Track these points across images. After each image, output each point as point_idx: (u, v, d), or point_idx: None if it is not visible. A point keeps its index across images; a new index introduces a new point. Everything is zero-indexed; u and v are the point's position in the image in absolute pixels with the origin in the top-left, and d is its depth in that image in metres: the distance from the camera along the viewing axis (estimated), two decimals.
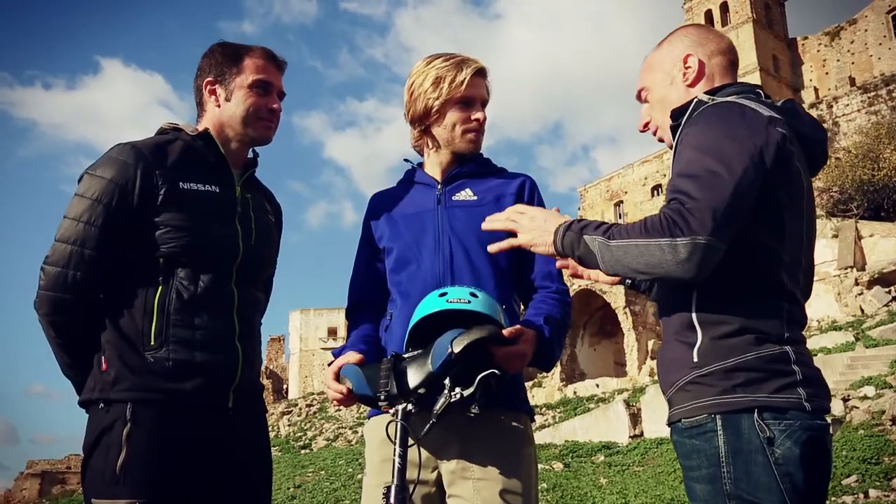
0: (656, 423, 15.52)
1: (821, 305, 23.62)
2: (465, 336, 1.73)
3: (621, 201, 47.14)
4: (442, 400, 1.74)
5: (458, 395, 1.74)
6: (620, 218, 46.79)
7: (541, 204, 2.20)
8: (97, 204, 1.93)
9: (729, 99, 1.73)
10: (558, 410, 23.31)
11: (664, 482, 11.79)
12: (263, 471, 2.09)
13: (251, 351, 2.07)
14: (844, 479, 9.64)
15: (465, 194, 2.15)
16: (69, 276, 1.91)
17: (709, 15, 51.24)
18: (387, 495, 1.67)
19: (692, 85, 1.84)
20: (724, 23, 50.31)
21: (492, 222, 1.85)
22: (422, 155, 2.27)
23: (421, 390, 1.76)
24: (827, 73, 48.25)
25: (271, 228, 2.22)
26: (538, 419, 22.45)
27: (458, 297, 1.83)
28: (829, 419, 1.68)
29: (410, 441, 1.74)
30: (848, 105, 38.46)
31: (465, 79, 2.09)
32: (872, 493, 9.01)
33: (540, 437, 18.55)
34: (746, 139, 1.60)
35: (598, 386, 25.37)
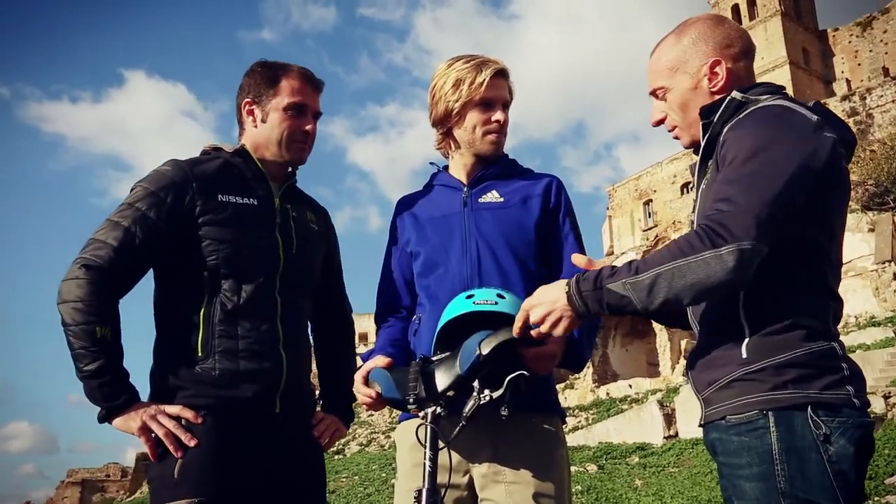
0: (691, 424, 15.34)
1: (858, 301, 23.17)
2: (493, 338, 1.72)
3: (650, 200, 46.70)
4: (471, 403, 1.73)
5: (487, 398, 1.72)
6: (650, 217, 46.38)
7: (567, 203, 2.19)
8: (144, 205, 2.01)
9: (777, 102, 1.71)
10: (591, 412, 23.16)
11: (701, 483, 11.66)
12: (315, 472, 2.15)
13: (297, 357, 2.12)
14: (888, 479, 9.44)
15: (492, 196, 2.14)
16: (113, 247, 1.96)
17: (736, 9, 50.57)
18: (418, 499, 1.66)
19: (719, 93, 1.81)
20: (752, 16, 49.65)
21: (516, 330, 1.73)
22: (446, 157, 2.27)
23: (450, 393, 1.75)
24: (859, 65, 47.34)
25: (314, 237, 2.26)
26: (571, 421, 22.31)
27: (485, 298, 1.82)
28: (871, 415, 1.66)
29: (441, 444, 1.73)
30: (882, 96, 37.67)
31: (484, 80, 2.08)
32: (889, 480, 8.80)
33: (573, 440, 18.46)
34: (798, 142, 1.58)
35: (630, 387, 25.17)
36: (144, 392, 2.05)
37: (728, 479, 1.66)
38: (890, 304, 22.57)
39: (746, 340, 1.62)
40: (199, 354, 1.99)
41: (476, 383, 1.74)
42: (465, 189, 2.16)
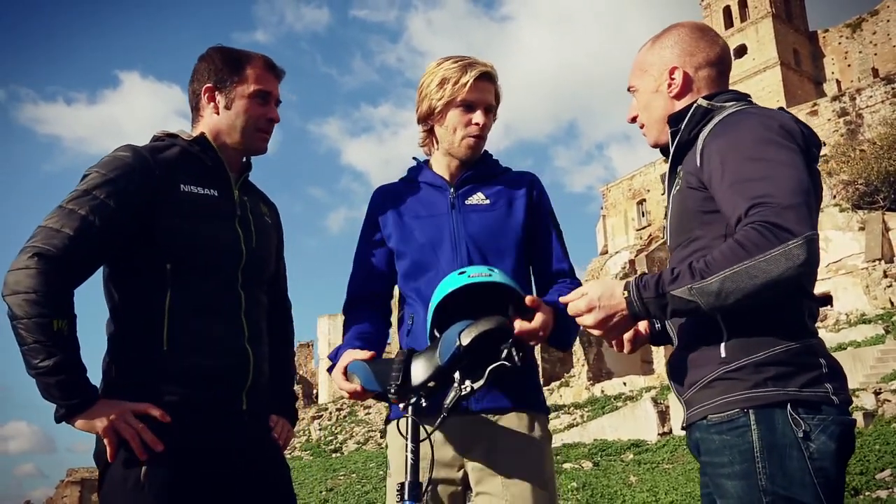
0: None
1: (849, 298, 23.41)
2: (473, 328, 1.71)
3: (644, 199, 46.88)
4: (452, 394, 1.72)
5: (468, 389, 1.72)
6: (643, 216, 46.56)
7: (548, 201, 2.23)
8: (103, 193, 1.88)
9: (749, 108, 1.76)
10: (586, 409, 23.30)
11: (695, 479, 11.79)
12: (282, 471, 2.09)
13: (261, 352, 2.06)
14: (878, 474, 9.57)
15: (478, 198, 2.15)
16: (68, 235, 1.81)
17: (727, 11, 50.79)
18: (401, 492, 1.65)
19: (677, 97, 1.87)
20: (743, 18, 49.85)
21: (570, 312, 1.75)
22: (428, 155, 2.27)
23: (431, 384, 1.74)
24: (849, 66, 47.63)
25: (269, 230, 2.21)
26: (566, 418, 22.46)
27: (479, 272, 1.84)
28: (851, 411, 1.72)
29: (422, 435, 1.72)
30: (871, 97, 37.95)
31: (468, 81, 2.08)
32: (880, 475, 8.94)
33: (568, 437, 18.59)
34: (790, 140, 1.64)
35: (625, 384, 25.31)
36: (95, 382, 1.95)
37: (711, 477, 1.68)
38: (880, 301, 22.81)
39: (724, 341, 1.65)
40: (165, 348, 1.89)
41: (457, 374, 1.73)
42: (452, 190, 2.16)
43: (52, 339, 1.75)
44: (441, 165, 2.21)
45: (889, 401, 12.66)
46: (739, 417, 1.60)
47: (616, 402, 22.86)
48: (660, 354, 26.00)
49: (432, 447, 1.75)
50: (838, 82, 45.20)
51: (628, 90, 2.00)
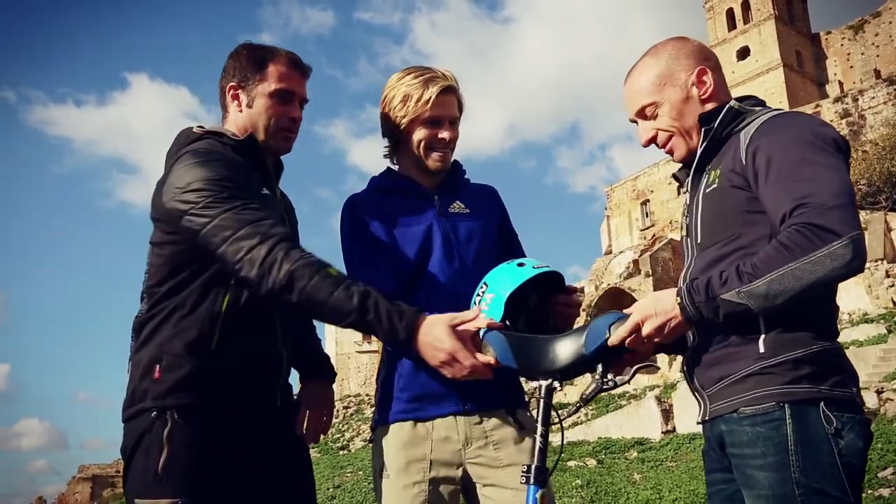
0: (688, 419, 15.60)
1: (851, 298, 23.47)
2: (621, 323, 1.68)
3: (647, 200, 46.97)
4: (594, 385, 1.69)
5: (611, 383, 1.69)
6: (647, 217, 46.65)
7: (505, 209, 2.31)
8: (226, 182, 1.86)
9: (798, 112, 1.83)
10: (590, 408, 23.36)
11: (698, 477, 11.85)
12: (307, 462, 2.12)
13: (289, 352, 2.10)
14: (881, 472, 9.57)
15: (458, 206, 2.18)
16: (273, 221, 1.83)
17: (730, 13, 50.83)
18: (527, 473, 1.63)
19: (708, 100, 1.88)
20: (746, 20, 49.90)
21: (618, 336, 1.70)
22: (394, 164, 2.25)
23: (567, 370, 1.70)
24: (851, 67, 47.65)
25: (296, 230, 2.24)
26: (570, 417, 22.48)
27: (537, 263, 1.91)
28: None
29: (553, 420, 1.69)
30: (874, 98, 38.03)
31: (430, 98, 2.06)
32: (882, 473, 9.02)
33: (573, 435, 18.67)
34: (835, 146, 1.69)
35: (629, 383, 25.34)
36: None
37: (738, 468, 1.71)
38: (882, 301, 22.90)
39: (763, 336, 1.68)
40: (213, 348, 1.90)
41: (599, 366, 1.70)
42: (436, 197, 2.16)
43: (343, 279, 1.75)
44: (415, 175, 2.18)
45: (891, 399, 12.71)
46: (775, 411, 1.64)
47: (620, 400, 22.95)
48: (663, 353, 26.05)
49: (563, 435, 1.76)
50: (841, 84, 45.24)
51: (639, 114, 1.95)
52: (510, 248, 2.25)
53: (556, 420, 1.69)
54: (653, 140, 1.95)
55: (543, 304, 1.99)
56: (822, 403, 1.63)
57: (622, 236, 47.61)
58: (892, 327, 18.75)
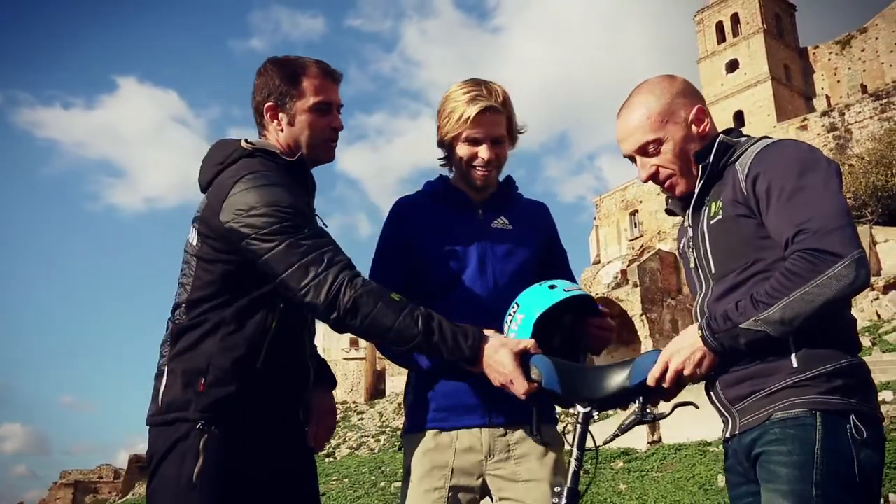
0: (674, 430, 15.67)
1: None
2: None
3: (636, 210, 47.22)
4: (633, 417, 1.76)
5: (650, 416, 1.76)
6: (636, 227, 46.87)
7: (556, 228, 2.35)
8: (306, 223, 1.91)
9: (788, 139, 1.88)
10: None
11: (683, 487, 11.90)
12: (314, 471, 2.16)
13: (315, 366, 2.16)
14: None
15: (502, 222, 2.20)
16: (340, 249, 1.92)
17: (720, 26, 51.25)
18: (559, 495, 1.71)
19: (704, 137, 1.94)
20: (735, 34, 50.31)
21: (652, 377, 1.79)
22: (450, 172, 2.28)
23: (607, 399, 1.79)
24: (839, 82, 48.13)
25: None
26: (558, 427, 22.53)
27: (568, 286, 1.96)
28: None
29: (589, 445, 1.76)
30: (860, 112, 38.45)
31: (468, 117, 2.08)
32: (893, 497, 8.90)
33: None
34: (829, 167, 1.76)
35: None
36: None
37: (763, 465, 1.74)
38: (867, 314, 23.10)
39: (794, 353, 1.73)
40: (258, 367, 1.93)
41: (640, 399, 1.77)
42: (480, 212, 2.20)
43: (406, 306, 1.83)
44: (462, 187, 2.23)
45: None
46: (806, 417, 1.69)
47: (607, 410, 22.98)
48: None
49: (597, 459, 1.83)
50: (828, 98, 45.69)
51: (640, 150, 1.96)
52: (553, 266, 2.25)
53: (592, 447, 1.76)
54: (653, 176, 1.97)
55: (578, 324, 2.06)
56: (852, 416, 1.69)
57: (611, 246, 47.80)
58: (877, 340, 18.91)
